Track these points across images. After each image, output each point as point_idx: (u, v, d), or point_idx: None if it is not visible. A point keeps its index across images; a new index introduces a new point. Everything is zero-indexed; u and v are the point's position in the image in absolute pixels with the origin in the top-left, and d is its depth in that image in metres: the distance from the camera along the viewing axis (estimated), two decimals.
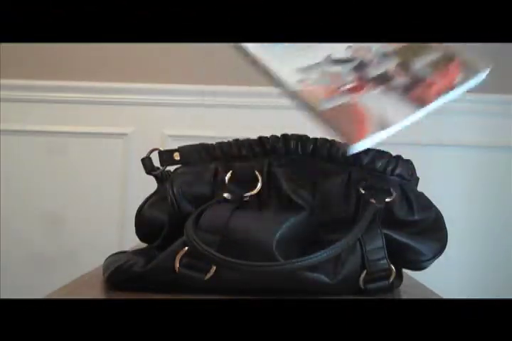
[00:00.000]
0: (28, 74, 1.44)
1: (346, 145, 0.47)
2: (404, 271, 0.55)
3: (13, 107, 1.43)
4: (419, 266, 0.53)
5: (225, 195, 0.50)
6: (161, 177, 0.56)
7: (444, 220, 0.54)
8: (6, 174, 1.43)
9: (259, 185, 0.51)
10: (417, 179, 0.56)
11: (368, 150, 0.51)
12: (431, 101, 0.50)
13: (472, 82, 0.51)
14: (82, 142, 1.44)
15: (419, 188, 0.56)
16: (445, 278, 1.16)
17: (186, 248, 0.47)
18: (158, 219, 0.53)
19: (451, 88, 0.50)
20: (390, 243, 0.51)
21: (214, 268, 0.47)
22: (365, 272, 0.49)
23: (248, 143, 0.53)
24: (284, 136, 0.53)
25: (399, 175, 0.53)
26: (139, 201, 0.56)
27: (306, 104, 0.50)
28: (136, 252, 0.52)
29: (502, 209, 1.41)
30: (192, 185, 0.52)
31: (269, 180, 0.52)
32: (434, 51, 0.53)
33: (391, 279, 0.50)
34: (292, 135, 0.53)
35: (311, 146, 0.53)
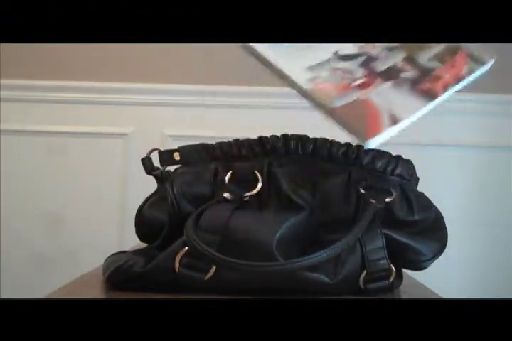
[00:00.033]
0: (28, 74, 1.44)
1: (362, 142, 0.47)
2: (404, 271, 0.55)
3: (13, 107, 1.43)
4: (419, 266, 0.53)
5: (225, 195, 0.50)
6: (161, 177, 0.56)
7: (444, 220, 0.54)
8: (6, 174, 1.43)
9: (259, 185, 0.51)
10: (417, 179, 0.56)
11: (367, 150, 0.52)
12: (440, 94, 0.49)
13: (478, 73, 0.51)
14: (82, 142, 1.45)
15: (419, 188, 0.56)
16: (445, 278, 1.16)
17: (186, 248, 0.47)
18: (158, 219, 0.53)
19: (459, 80, 0.50)
20: (390, 243, 0.50)
21: (214, 268, 0.47)
22: (365, 272, 0.49)
23: (248, 143, 0.53)
24: (284, 136, 0.53)
25: (399, 175, 0.53)
26: (139, 201, 0.56)
27: (318, 102, 0.50)
28: (136, 252, 0.52)
29: (502, 209, 1.41)
30: (192, 185, 0.52)
31: (269, 180, 0.52)
32: (438, 44, 0.53)
33: (391, 279, 0.50)
34: (292, 135, 0.53)
35: (311, 146, 0.53)
